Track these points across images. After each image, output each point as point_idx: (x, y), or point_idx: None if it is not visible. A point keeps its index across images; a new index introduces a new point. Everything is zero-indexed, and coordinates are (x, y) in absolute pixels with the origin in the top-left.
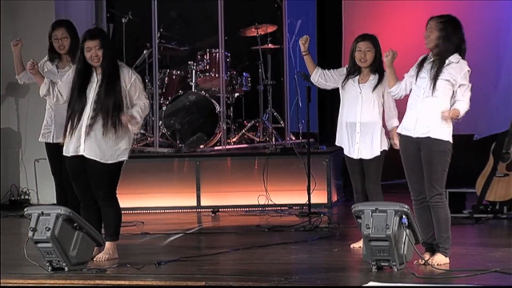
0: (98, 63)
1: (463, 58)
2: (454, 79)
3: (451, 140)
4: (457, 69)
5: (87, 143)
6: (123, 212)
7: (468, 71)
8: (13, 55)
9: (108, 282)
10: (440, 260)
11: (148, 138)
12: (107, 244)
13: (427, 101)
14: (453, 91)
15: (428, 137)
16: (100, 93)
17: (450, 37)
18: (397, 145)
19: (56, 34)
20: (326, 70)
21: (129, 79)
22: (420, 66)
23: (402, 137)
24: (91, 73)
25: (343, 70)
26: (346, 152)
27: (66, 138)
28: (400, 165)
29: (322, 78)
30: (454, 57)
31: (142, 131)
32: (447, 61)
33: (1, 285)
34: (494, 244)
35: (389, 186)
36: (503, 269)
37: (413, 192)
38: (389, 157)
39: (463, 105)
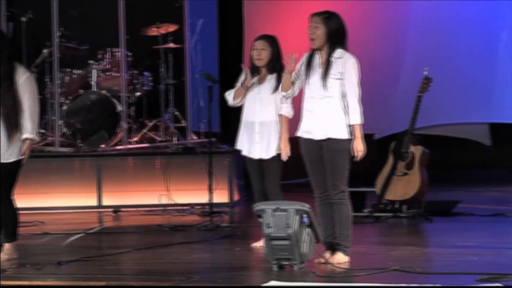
0: None
1: (346, 50)
2: (342, 74)
3: (350, 138)
4: (342, 63)
5: None
6: (22, 212)
7: (354, 62)
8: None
9: (8, 282)
10: (340, 259)
11: (48, 138)
12: (6, 245)
13: (323, 102)
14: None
15: (329, 138)
16: None
17: (335, 32)
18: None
19: None
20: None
21: (21, 79)
22: (308, 66)
23: (303, 139)
24: None
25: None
26: (245, 153)
27: None
28: (301, 165)
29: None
30: (338, 53)
31: (42, 131)
32: (332, 59)
33: None
34: (394, 243)
35: (291, 186)
36: (402, 268)
37: (317, 189)
38: (290, 156)
39: (356, 115)
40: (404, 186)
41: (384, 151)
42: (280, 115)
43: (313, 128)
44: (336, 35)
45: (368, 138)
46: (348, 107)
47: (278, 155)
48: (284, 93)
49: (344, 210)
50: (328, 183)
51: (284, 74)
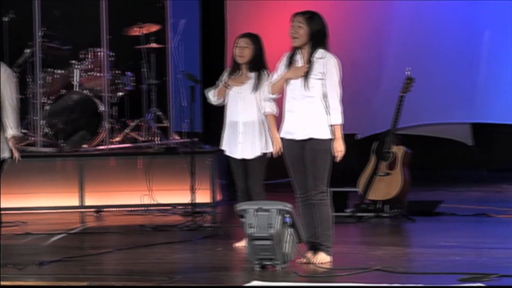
0: None
1: (328, 51)
2: (323, 74)
3: (332, 138)
4: (323, 63)
5: None
6: (4, 212)
7: (335, 62)
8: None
9: None
10: (322, 258)
11: (31, 138)
12: None
13: (304, 102)
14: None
15: (311, 138)
16: None
17: (317, 33)
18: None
19: None
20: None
21: (2, 77)
22: (289, 66)
23: (285, 140)
24: None
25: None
26: (228, 153)
27: None
28: (284, 165)
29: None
30: (320, 53)
31: (24, 131)
32: (314, 59)
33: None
34: (376, 243)
35: (273, 186)
36: (385, 267)
37: (298, 190)
38: (272, 156)
39: (337, 115)
40: (386, 186)
41: (367, 151)
42: (265, 114)
43: (295, 128)
44: (318, 35)
45: (350, 138)
46: (329, 107)
47: (262, 155)
48: (274, 96)
49: (325, 210)
50: (309, 183)
51: (281, 80)
